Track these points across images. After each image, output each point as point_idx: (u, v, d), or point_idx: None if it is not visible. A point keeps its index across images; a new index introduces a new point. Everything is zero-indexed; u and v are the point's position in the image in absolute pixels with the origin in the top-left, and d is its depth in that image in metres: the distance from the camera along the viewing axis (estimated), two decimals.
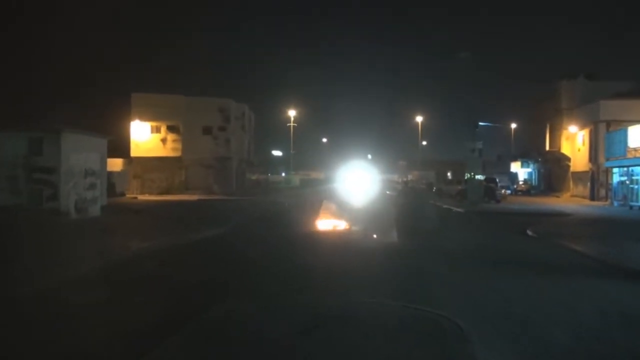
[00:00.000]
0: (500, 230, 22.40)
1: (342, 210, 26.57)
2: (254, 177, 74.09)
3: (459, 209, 33.74)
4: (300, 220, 23.96)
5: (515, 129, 78.55)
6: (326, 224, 22.56)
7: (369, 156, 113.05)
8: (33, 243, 14.51)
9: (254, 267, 12.32)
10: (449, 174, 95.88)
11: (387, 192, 53.62)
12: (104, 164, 26.20)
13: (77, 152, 21.98)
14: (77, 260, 12.30)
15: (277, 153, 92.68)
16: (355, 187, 60.36)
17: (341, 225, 22.10)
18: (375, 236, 19.38)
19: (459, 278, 11.18)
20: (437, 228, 22.58)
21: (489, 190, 41.63)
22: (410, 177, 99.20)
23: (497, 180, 51.81)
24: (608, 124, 44.11)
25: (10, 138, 21.89)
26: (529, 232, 20.48)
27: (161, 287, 10.18)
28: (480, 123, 40.34)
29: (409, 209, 33.39)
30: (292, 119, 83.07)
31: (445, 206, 37.15)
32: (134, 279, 10.87)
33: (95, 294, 8.96)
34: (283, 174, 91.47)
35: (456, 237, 19.47)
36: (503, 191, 47.40)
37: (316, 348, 6.05)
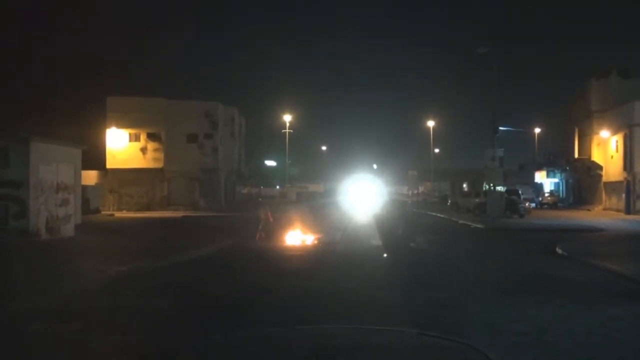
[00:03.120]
0: (525, 249, 22.44)
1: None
2: (244, 191, 74.14)
3: (478, 225, 33.85)
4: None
5: (539, 134, 78.99)
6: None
7: (375, 166, 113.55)
8: None
9: (247, 292, 12.39)
10: (464, 185, 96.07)
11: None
12: (79, 177, 26.29)
13: (48, 163, 22.06)
14: (46, 288, 12.38)
15: (270, 163, 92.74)
16: (359, 201, 60.45)
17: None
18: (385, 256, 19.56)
19: (480, 304, 11.25)
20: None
21: (511, 203, 41.71)
22: (421, 188, 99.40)
23: (520, 192, 51.99)
24: None
25: None
26: (559, 251, 20.58)
27: (140, 316, 10.26)
28: (501, 128, 40.39)
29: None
30: (287, 124, 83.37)
31: (461, 222, 37.28)
32: (113, 307, 10.94)
33: (62, 325, 9.01)
34: (277, 187, 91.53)
35: (476, 259, 19.58)
36: (527, 204, 47.47)
37: None
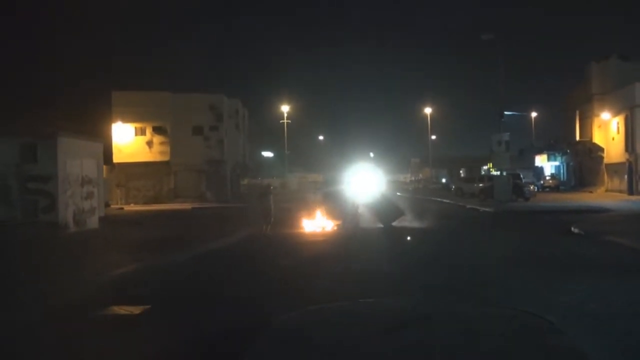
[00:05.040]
0: (541, 229, 23.11)
1: None
2: (244, 182, 74.54)
3: (487, 209, 34.46)
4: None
5: (536, 118, 79.60)
6: None
7: (371, 154, 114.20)
8: (33, 262, 14.86)
9: (293, 274, 12.97)
10: (461, 171, 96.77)
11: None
12: (101, 170, 26.79)
13: (73, 158, 22.56)
14: (108, 274, 12.95)
15: (267, 154, 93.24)
16: (358, 189, 60.77)
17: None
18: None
19: (518, 280, 11.85)
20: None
21: (516, 187, 42.41)
22: (420, 175, 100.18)
23: (522, 176, 52.68)
24: None
25: None
26: (575, 230, 21.25)
27: (210, 296, 10.83)
28: (506, 112, 41.04)
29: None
30: (285, 115, 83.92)
31: (469, 206, 37.92)
32: (184, 290, 11.55)
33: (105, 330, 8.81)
34: (274, 178, 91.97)
35: (499, 240, 20.20)
36: (532, 187, 48.24)
37: (408, 346, 6.69)
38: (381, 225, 24.42)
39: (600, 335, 7.72)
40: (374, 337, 7.06)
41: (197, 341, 7.94)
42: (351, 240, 20.07)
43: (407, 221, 26.02)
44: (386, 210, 26.13)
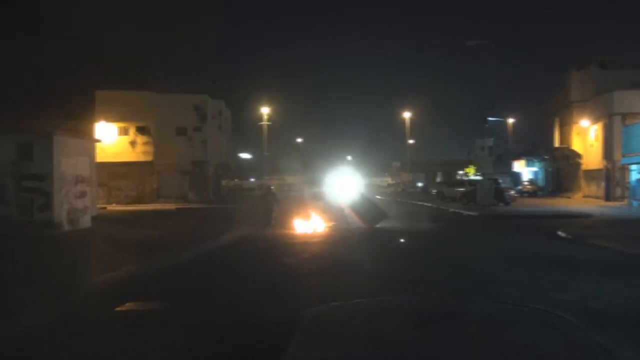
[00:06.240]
0: (529, 233, 23.76)
1: None
2: (223, 183, 74.54)
3: (470, 213, 35.09)
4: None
5: (515, 124, 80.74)
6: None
7: (349, 157, 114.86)
8: (33, 263, 14.87)
9: (303, 272, 13.36)
10: (438, 175, 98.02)
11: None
12: (94, 169, 26.85)
13: (69, 156, 22.61)
14: (120, 273, 13.17)
15: (245, 156, 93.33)
16: (336, 191, 61.32)
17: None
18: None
19: (520, 280, 12.35)
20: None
21: (497, 192, 43.20)
22: (398, 179, 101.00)
23: (500, 181, 53.55)
24: (624, 117, 46.07)
25: None
26: (562, 235, 21.92)
27: (224, 294, 11.17)
28: (490, 118, 41.88)
29: None
30: (265, 116, 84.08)
31: (452, 210, 38.62)
32: (192, 289, 11.84)
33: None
34: (252, 179, 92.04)
35: (490, 243, 20.78)
36: (512, 192, 49.19)
37: (436, 339, 7.14)
38: (364, 226, 24.94)
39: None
40: (403, 330, 7.49)
41: (227, 335, 8.24)
42: (353, 241, 20.56)
43: (401, 224, 26.53)
44: (369, 213, 26.60)
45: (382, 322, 7.90)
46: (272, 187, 25.32)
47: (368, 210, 27.21)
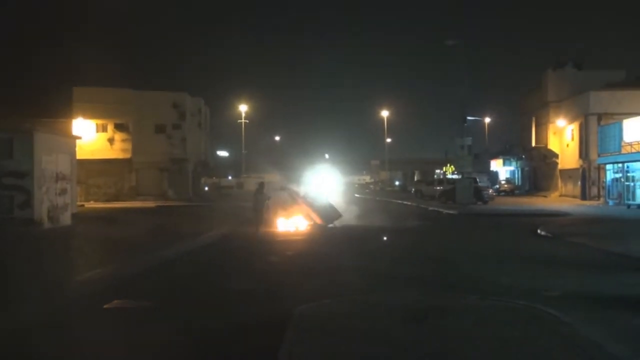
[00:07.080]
0: (509, 231, 24.07)
1: None
2: (202, 181, 74.19)
3: (450, 211, 35.32)
4: None
5: (491, 123, 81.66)
6: None
7: (326, 155, 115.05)
8: (13, 260, 14.77)
9: (293, 270, 13.43)
10: (415, 174, 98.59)
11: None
12: (74, 166, 26.62)
13: (49, 154, 22.45)
14: (107, 271, 13.12)
15: (223, 153, 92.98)
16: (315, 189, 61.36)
17: None
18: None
19: (507, 277, 12.53)
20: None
21: (476, 190, 43.64)
22: (377, 178, 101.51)
23: (477, 180, 54.04)
24: (599, 117, 46.57)
25: None
26: (542, 233, 22.22)
27: (217, 289, 11.19)
28: (469, 117, 42.28)
29: None
30: (243, 114, 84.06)
31: (431, 208, 38.84)
32: (184, 286, 11.84)
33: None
34: (230, 177, 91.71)
35: (472, 240, 21.05)
36: (490, 191, 49.68)
37: (429, 335, 7.25)
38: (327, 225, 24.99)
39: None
40: (394, 326, 7.60)
41: (218, 333, 8.27)
42: (340, 238, 20.72)
43: (384, 222, 26.65)
44: (327, 211, 26.60)
45: (373, 318, 8.00)
46: (264, 184, 24.61)
47: (323, 209, 26.99)
